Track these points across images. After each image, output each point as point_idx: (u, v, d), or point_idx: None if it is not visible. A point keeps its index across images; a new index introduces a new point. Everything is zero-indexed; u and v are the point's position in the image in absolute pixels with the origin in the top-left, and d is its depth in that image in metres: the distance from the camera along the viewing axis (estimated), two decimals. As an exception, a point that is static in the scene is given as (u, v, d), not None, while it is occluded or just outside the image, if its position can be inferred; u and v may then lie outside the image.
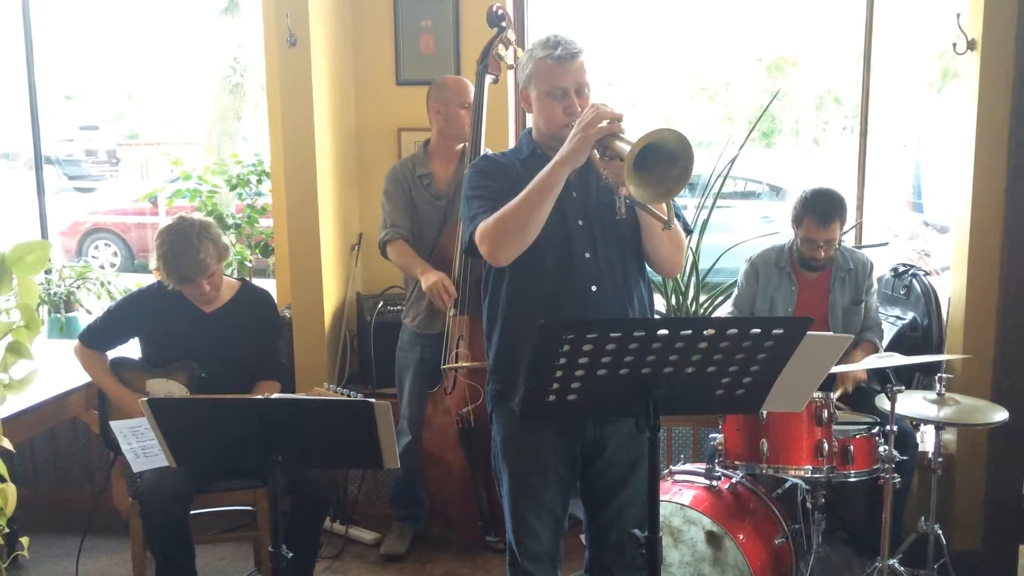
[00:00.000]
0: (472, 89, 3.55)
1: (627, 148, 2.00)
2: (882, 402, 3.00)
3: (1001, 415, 2.95)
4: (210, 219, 3.53)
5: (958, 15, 3.43)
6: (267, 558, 2.41)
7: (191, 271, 3.02)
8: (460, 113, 3.53)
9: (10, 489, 1.82)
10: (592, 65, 2.32)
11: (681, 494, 3.03)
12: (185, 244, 3.01)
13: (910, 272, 3.86)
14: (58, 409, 3.37)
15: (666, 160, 1.99)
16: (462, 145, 3.58)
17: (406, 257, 3.52)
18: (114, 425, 2.80)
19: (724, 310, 4.11)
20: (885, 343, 3.65)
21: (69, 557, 3.50)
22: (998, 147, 3.38)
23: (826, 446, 2.95)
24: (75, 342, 3.22)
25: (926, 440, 3.60)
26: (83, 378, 3.30)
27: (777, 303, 3.47)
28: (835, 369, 3.03)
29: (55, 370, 3.44)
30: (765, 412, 2.92)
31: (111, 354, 3.22)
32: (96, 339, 3.18)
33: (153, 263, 3.13)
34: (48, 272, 4.71)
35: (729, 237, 4.47)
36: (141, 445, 2.79)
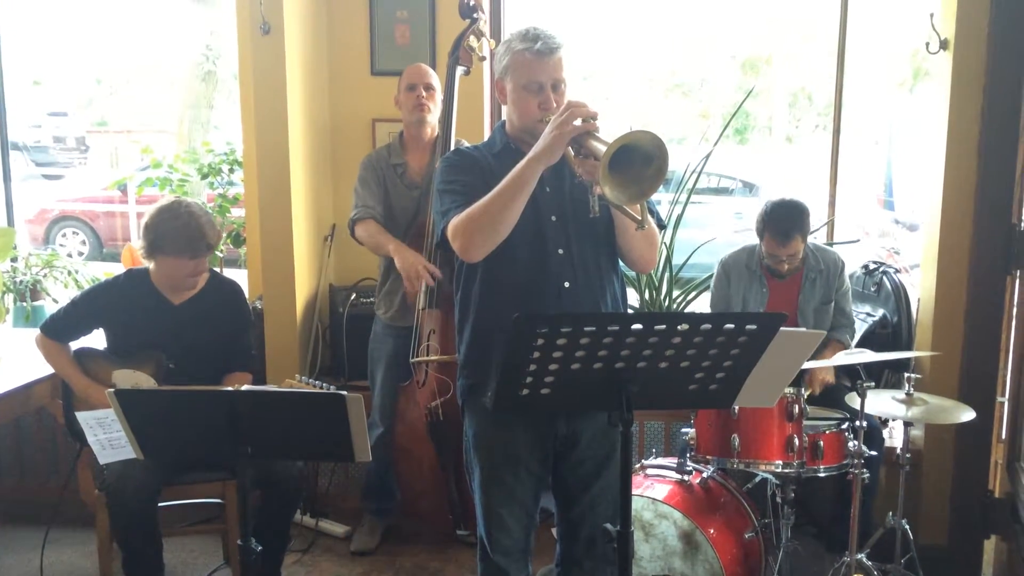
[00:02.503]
0: (424, 70, 3.55)
1: (602, 148, 1.99)
2: (852, 398, 3.03)
3: (968, 415, 2.97)
4: None
5: (931, 15, 3.46)
6: (236, 551, 2.39)
7: (209, 242, 3.02)
8: (406, 96, 3.52)
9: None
10: (568, 59, 2.31)
11: (653, 488, 3.04)
12: (198, 217, 3.01)
13: (880, 269, 3.90)
14: (23, 399, 3.32)
15: (641, 161, 1.99)
16: (435, 135, 3.56)
17: (376, 235, 3.47)
18: (80, 416, 2.75)
19: (697, 305, 4.13)
20: (856, 341, 3.68)
21: (34, 549, 3.45)
22: (969, 146, 3.41)
23: (796, 441, 2.97)
24: (37, 332, 3.16)
25: (894, 436, 3.64)
26: (49, 368, 3.24)
27: (749, 304, 3.48)
28: (806, 365, 3.05)
29: (20, 359, 3.38)
30: (737, 407, 2.94)
31: (76, 345, 3.17)
32: (58, 330, 3.13)
33: (143, 244, 3.05)
34: (14, 260, 4.64)
35: (703, 233, 4.49)
36: (108, 436, 2.74)
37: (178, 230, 2.99)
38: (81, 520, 3.44)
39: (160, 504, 2.96)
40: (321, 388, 2.43)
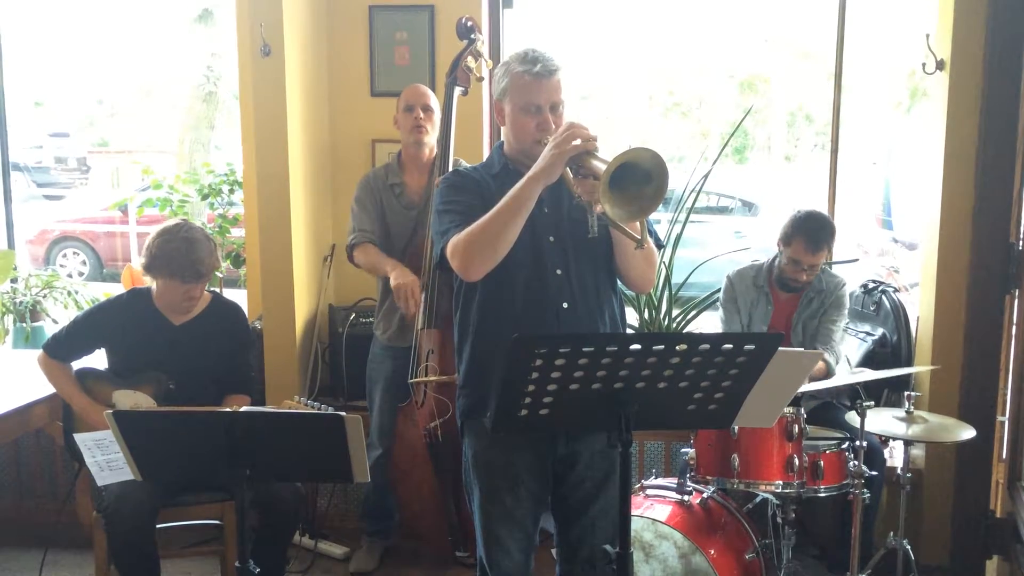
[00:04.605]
0: (421, 91, 3.56)
1: (601, 167, 2.00)
2: (852, 418, 3.02)
3: (968, 433, 2.97)
4: None
5: (927, 36, 3.48)
6: (234, 573, 2.37)
7: (199, 270, 3.02)
8: (403, 116, 3.53)
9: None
10: (567, 80, 2.32)
11: (653, 509, 3.02)
12: (195, 243, 3.01)
13: (879, 288, 3.90)
14: (22, 420, 3.31)
15: (641, 179, 1.99)
16: (433, 155, 3.57)
17: (374, 256, 3.47)
18: (78, 438, 2.75)
19: (697, 325, 4.13)
20: (856, 360, 3.68)
21: (31, 572, 3.43)
22: (966, 165, 3.42)
23: (796, 461, 2.96)
24: (39, 352, 3.16)
25: (895, 456, 3.63)
26: (48, 389, 3.24)
27: (755, 320, 3.48)
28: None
29: (20, 380, 3.38)
30: (736, 427, 2.93)
31: (77, 364, 3.17)
32: (61, 349, 3.13)
33: (142, 262, 3.06)
34: (14, 281, 4.64)
35: (702, 252, 4.50)
36: (106, 458, 2.74)
37: (170, 254, 2.99)
38: (79, 542, 3.42)
39: (158, 526, 2.95)
40: (319, 410, 2.43)
